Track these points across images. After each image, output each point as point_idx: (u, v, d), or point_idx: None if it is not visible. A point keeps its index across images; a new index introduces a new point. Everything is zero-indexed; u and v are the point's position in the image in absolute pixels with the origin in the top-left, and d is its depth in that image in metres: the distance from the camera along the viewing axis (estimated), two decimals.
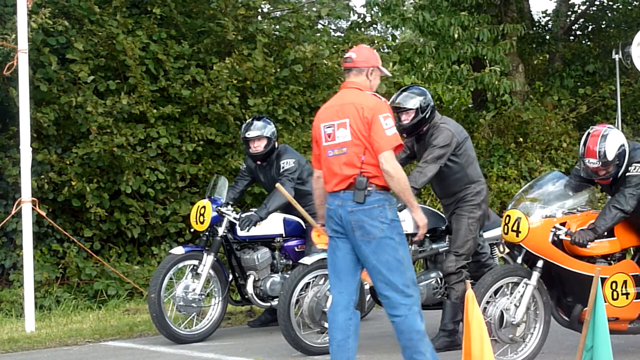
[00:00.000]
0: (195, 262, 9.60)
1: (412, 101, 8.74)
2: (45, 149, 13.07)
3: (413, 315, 6.62)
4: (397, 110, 8.68)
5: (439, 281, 9.02)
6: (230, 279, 9.93)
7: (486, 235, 9.29)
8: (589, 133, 7.94)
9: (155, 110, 13.61)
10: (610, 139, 7.85)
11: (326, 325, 8.68)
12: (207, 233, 9.72)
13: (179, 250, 9.70)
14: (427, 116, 8.74)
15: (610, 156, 7.81)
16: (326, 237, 6.96)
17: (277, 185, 8.68)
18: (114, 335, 10.25)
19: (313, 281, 8.86)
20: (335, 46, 15.76)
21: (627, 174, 7.88)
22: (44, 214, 11.66)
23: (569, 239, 7.67)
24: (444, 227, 9.15)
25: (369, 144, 6.64)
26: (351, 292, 6.80)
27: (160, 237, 13.88)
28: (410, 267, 6.73)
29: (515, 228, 7.72)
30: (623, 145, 7.89)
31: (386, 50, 17.04)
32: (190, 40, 14.65)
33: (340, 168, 6.71)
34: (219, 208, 9.65)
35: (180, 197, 13.91)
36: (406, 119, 8.75)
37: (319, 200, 7.06)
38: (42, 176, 12.80)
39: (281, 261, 10.03)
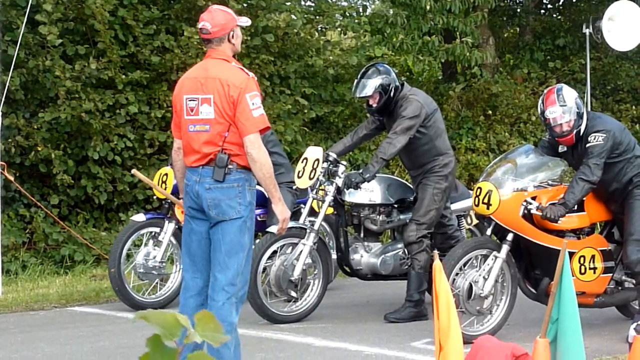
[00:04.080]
0: (157, 229, 9.55)
1: (371, 83, 8.84)
2: (12, 113, 12.95)
3: (230, 305, 6.20)
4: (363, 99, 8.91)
5: (406, 252, 9.06)
6: None
7: (454, 207, 9.32)
8: (544, 92, 8.14)
9: (124, 76, 13.51)
10: (566, 89, 8.05)
11: (293, 294, 8.72)
12: (169, 200, 9.59)
13: (139, 217, 9.66)
14: (392, 95, 8.81)
15: (570, 102, 7.89)
16: None
17: (134, 170, 8.40)
18: (81, 301, 10.23)
19: (280, 249, 8.87)
20: (306, 16, 15.66)
21: (588, 144, 7.92)
22: (12, 178, 11.57)
23: (540, 213, 7.70)
24: (411, 198, 9.18)
25: (233, 124, 6.25)
26: (206, 278, 6.38)
27: (128, 203, 13.80)
28: (248, 258, 6.36)
29: (486, 200, 7.75)
30: (577, 97, 8.01)
31: (356, 21, 16.94)
32: (160, 6, 14.50)
33: (200, 146, 6.30)
34: None
35: (148, 163, 13.82)
36: (373, 102, 8.89)
37: (180, 173, 6.61)
38: (10, 140, 12.69)
39: None
